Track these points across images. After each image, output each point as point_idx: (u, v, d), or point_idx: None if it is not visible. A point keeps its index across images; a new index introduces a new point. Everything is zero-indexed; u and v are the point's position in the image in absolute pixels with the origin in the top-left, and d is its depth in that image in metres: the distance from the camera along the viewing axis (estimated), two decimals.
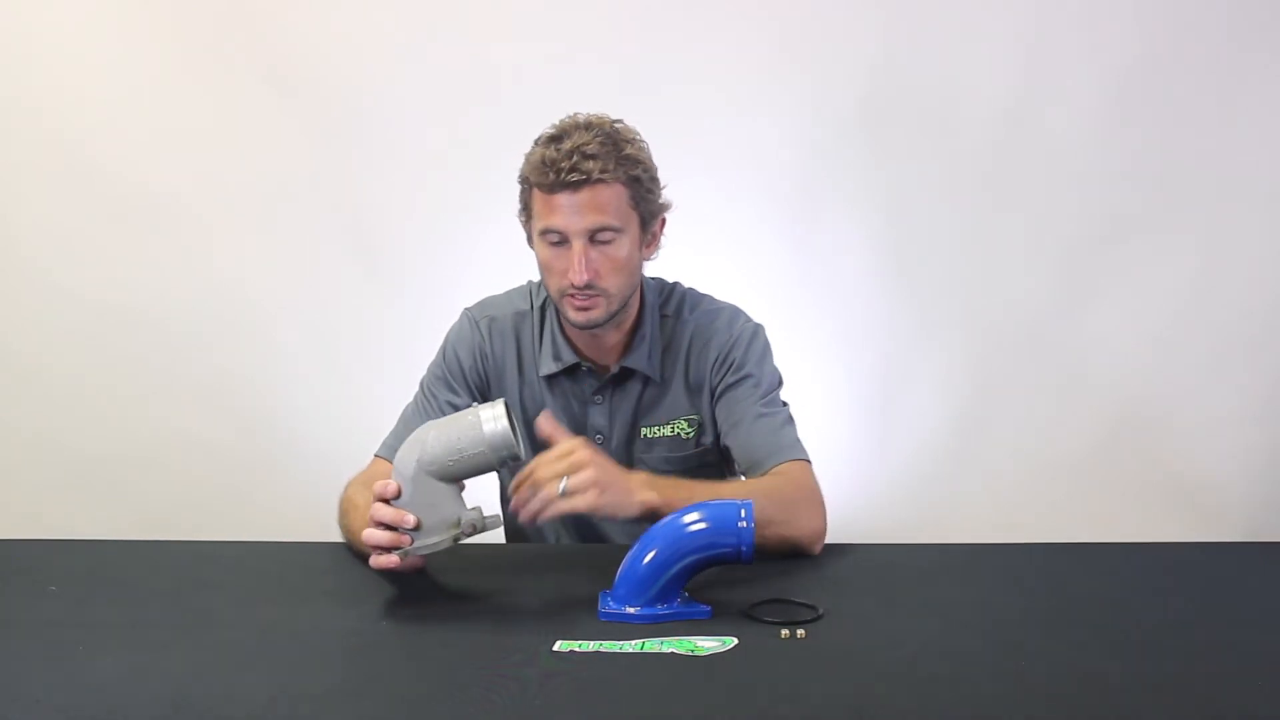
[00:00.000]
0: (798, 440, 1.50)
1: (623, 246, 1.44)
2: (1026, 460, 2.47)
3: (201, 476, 2.50)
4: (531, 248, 1.51)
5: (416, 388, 1.60)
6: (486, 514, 1.20)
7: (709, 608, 1.14)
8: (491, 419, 1.18)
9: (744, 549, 1.13)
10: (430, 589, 1.28)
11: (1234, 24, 2.38)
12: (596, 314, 1.45)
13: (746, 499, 1.14)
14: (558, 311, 1.54)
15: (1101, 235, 2.44)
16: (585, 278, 1.41)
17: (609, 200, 1.41)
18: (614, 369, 1.54)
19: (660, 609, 1.14)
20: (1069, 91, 2.41)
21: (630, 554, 1.16)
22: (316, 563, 1.44)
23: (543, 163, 1.40)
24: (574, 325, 1.48)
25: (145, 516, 2.34)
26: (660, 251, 1.54)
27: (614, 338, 1.53)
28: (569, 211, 1.41)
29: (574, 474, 1.21)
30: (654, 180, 1.48)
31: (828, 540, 1.41)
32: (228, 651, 1.08)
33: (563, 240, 1.43)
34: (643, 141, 1.47)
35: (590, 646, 1.05)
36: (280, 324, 2.53)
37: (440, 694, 0.97)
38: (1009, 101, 2.42)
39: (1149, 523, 2.32)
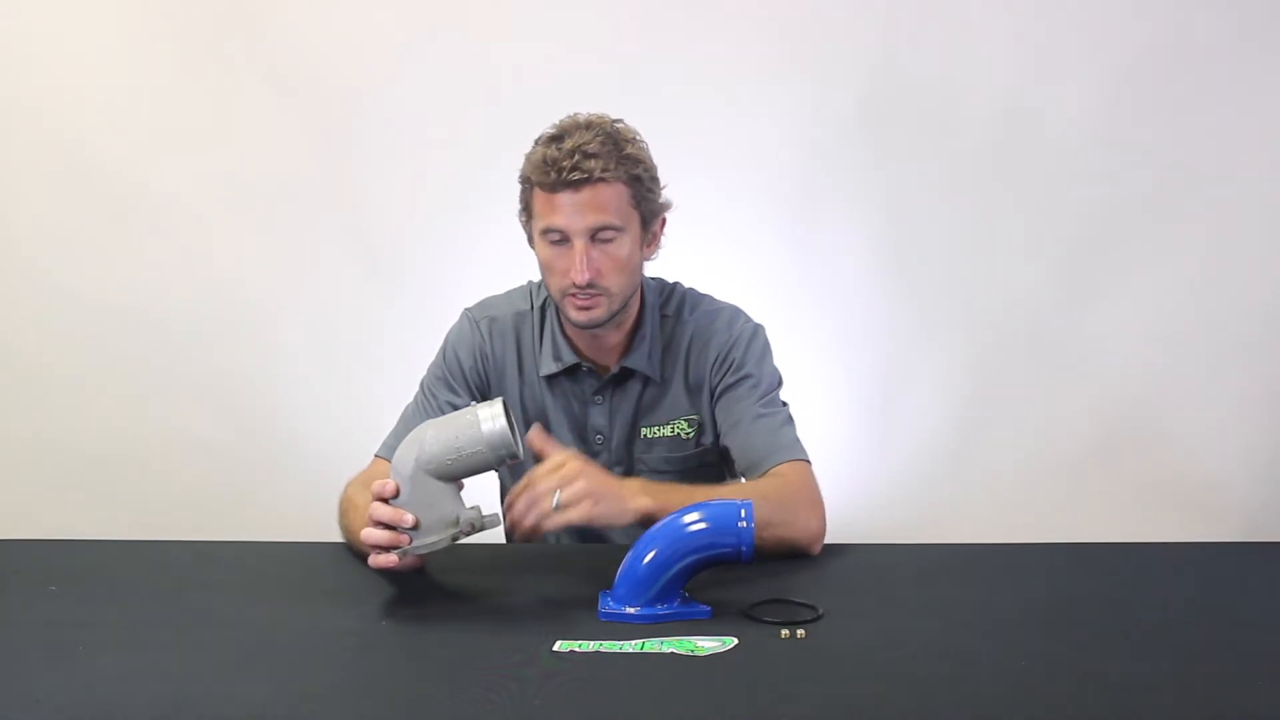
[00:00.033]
0: (797, 440, 1.50)
1: (624, 245, 1.44)
2: (1026, 460, 2.47)
3: (201, 476, 2.50)
4: (532, 248, 1.51)
5: (416, 388, 1.60)
6: (485, 513, 1.20)
7: (709, 608, 1.14)
8: (489, 418, 1.18)
9: (744, 549, 1.13)
10: (430, 589, 1.28)
11: (1234, 24, 2.38)
12: (598, 313, 1.45)
13: (745, 500, 1.14)
14: (558, 312, 1.54)
15: (1101, 235, 2.44)
16: (587, 277, 1.41)
17: (610, 199, 1.41)
18: (614, 369, 1.54)
19: (660, 609, 1.14)
20: (1069, 91, 2.41)
21: (630, 554, 1.16)
22: (316, 563, 1.44)
23: (544, 162, 1.40)
24: (575, 325, 1.48)
25: (145, 516, 2.33)
26: (660, 251, 1.54)
27: (614, 338, 1.53)
28: (571, 210, 1.41)
29: (567, 486, 1.21)
30: (654, 180, 1.48)
31: (828, 540, 1.41)
32: (228, 651, 1.08)
33: (564, 239, 1.43)
34: (643, 141, 1.47)
35: (590, 646, 1.05)
36: (280, 324, 2.53)
37: (440, 694, 0.97)
38: (1009, 101, 2.43)
39: (1149, 523, 2.32)
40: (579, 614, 1.15)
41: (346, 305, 2.52)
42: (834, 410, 2.45)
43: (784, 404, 1.55)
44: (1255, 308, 2.42)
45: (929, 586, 1.28)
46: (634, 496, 1.26)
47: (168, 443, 2.51)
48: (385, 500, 1.19)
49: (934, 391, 2.51)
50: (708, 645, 1.05)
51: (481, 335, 1.58)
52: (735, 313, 1.58)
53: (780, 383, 1.56)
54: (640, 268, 1.51)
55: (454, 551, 1.21)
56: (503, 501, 1.62)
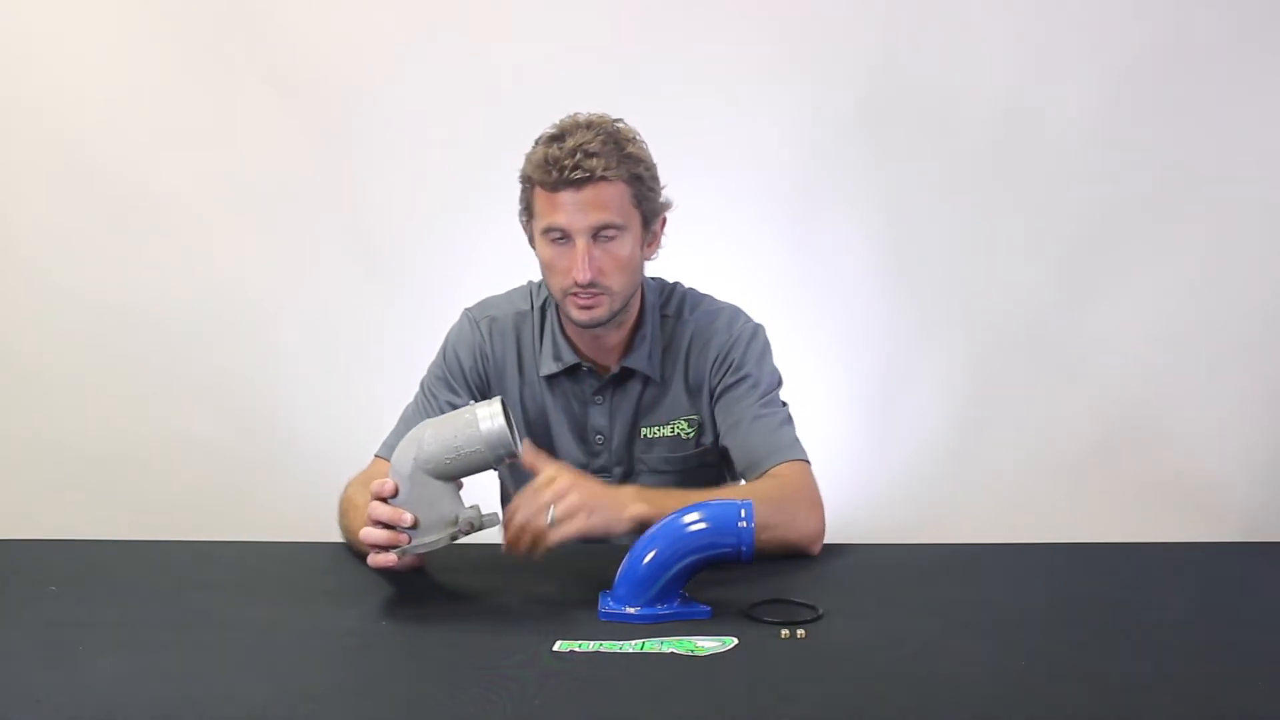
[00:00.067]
0: (796, 440, 1.50)
1: (625, 244, 1.44)
2: (1026, 460, 2.47)
3: (201, 476, 2.50)
4: (533, 248, 1.51)
5: (416, 388, 1.60)
6: (484, 512, 1.20)
7: (709, 608, 1.14)
8: (488, 417, 1.18)
9: (744, 549, 1.13)
10: (430, 589, 1.28)
11: (1234, 24, 2.38)
12: (599, 312, 1.45)
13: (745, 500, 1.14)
14: (558, 311, 1.54)
15: (1101, 235, 2.44)
16: (589, 275, 1.41)
17: (612, 198, 1.41)
18: (614, 369, 1.54)
19: (660, 609, 1.14)
20: (1069, 91, 2.41)
21: (630, 554, 1.16)
22: (316, 563, 1.44)
23: (545, 161, 1.40)
24: (577, 324, 1.48)
25: (145, 516, 2.33)
26: (661, 251, 1.54)
27: (615, 337, 1.53)
28: (572, 209, 1.41)
29: (560, 501, 1.21)
30: (655, 179, 1.48)
31: (828, 540, 1.41)
32: (228, 651, 1.08)
33: (565, 238, 1.43)
34: (643, 141, 1.47)
35: (590, 646, 1.05)
36: (280, 324, 2.53)
37: (440, 694, 0.97)
38: (1009, 101, 2.42)
39: (1149, 523, 2.32)
40: (579, 614, 1.15)
41: (346, 305, 2.52)
42: (834, 410, 2.45)
43: (784, 404, 1.55)
44: (1255, 308, 2.42)
45: (929, 586, 1.28)
46: (629, 503, 1.25)
47: (168, 443, 2.51)
48: (384, 499, 1.19)
49: (934, 391, 2.51)
50: (708, 645, 1.05)
51: (482, 335, 1.58)
52: (735, 313, 1.58)
53: (780, 383, 1.56)
54: (641, 267, 1.51)
55: (454, 551, 1.21)
56: (502, 501, 1.63)
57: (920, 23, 2.43)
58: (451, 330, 1.61)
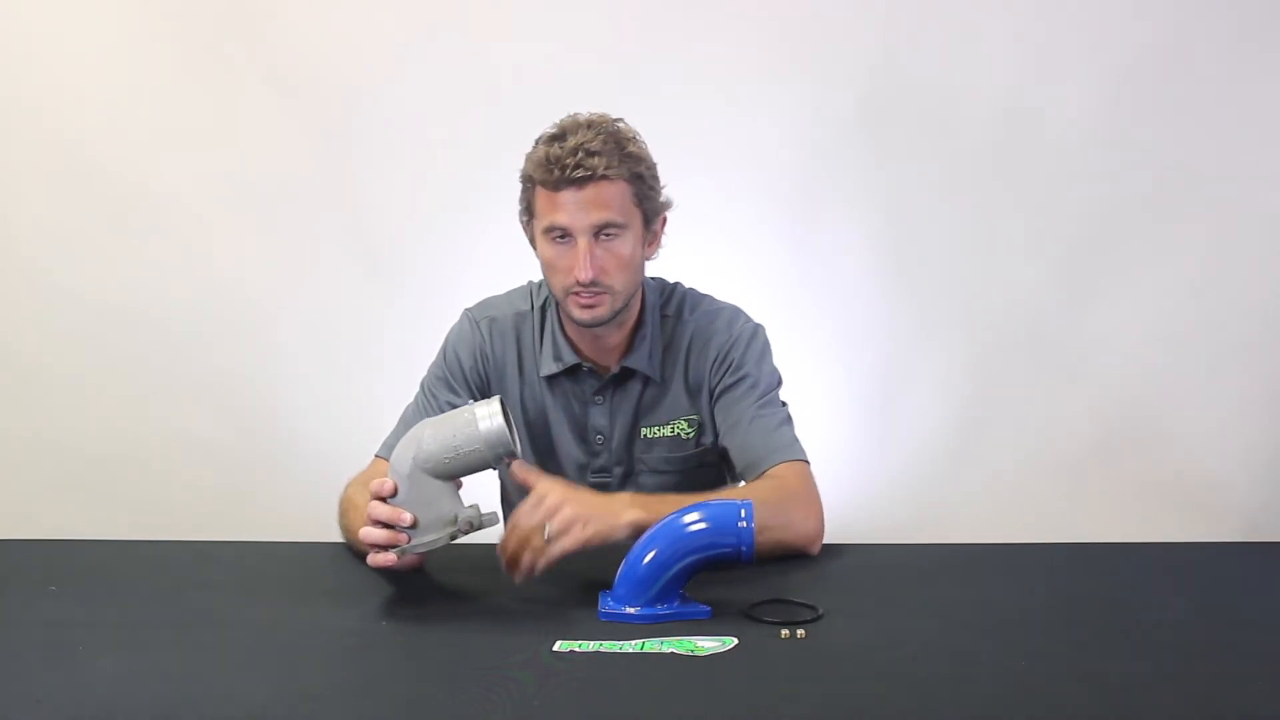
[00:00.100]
0: (795, 440, 1.50)
1: (627, 243, 1.44)
2: (1026, 460, 2.47)
3: (201, 476, 2.49)
4: (533, 248, 1.51)
5: (417, 388, 1.60)
6: (484, 511, 1.20)
7: (709, 608, 1.14)
8: (487, 416, 1.18)
9: (744, 549, 1.13)
10: (430, 589, 1.28)
11: (1234, 23, 2.38)
12: (601, 311, 1.45)
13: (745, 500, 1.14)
14: (558, 312, 1.54)
15: (1101, 235, 2.44)
16: (590, 274, 1.41)
17: (613, 197, 1.41)
18: (614, 369, 1.54)
19: (660, 609, 1.14)
20: (1069, 91, 2.41)
21: (630, 554, 1.16)
22: (316, 563, 1.44)
23: (547, 160, 1.40)
24: (579, 323, 1.48)
25: (145, 516, 2.33)
26: (661, 251, 1.54)
27: (615, 337, 1.53)
28: (574, 208, 1.41)
29: (553, 517, 1.20)
30: (655, 179, 1.48)
31: (828, 540, 1.41)
32: (228, 651, 1.08)
33: (567, 237, 1.43)
34: (643, 141, 1.47)
35: (590, 646, 1.05)
36: (280, 324, 2.53)
37: (440, 694, 0.97)
38: (1009, 101, 2.42)
39: (1149, 523, 2.32)
40: (579, 614, 1.15)
41: (346, 305, 2.52)
42: (834, 410, 2.45)
43: (783, 404, 1.55)
44: (1255, 308, 2.42)
45: (929, 586, 1.28)
46: (624, 510, 1.24)
47: (168, 443, 2.51)
48: (384, 499, 1.19)
49: (934, 391, 2.50)
50: (708, 645, 1.05)
51: (482, 335, 1.58)
52: (735, 313, 1.58)
53: (780, 383, 1.56)
54: (642, 266, 1.51)
55: (454, 551, 1.21)
56: (502, 500, 1.63)
57: (920, 23, 2.43)
58: (451, 330, 1.61)
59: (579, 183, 1.40)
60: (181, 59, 2.45)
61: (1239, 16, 2.37)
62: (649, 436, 1.56)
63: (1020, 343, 2.48)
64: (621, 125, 1.45)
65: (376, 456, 1.53)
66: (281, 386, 2.52)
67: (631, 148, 1.43)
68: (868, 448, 2.49)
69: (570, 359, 1.54)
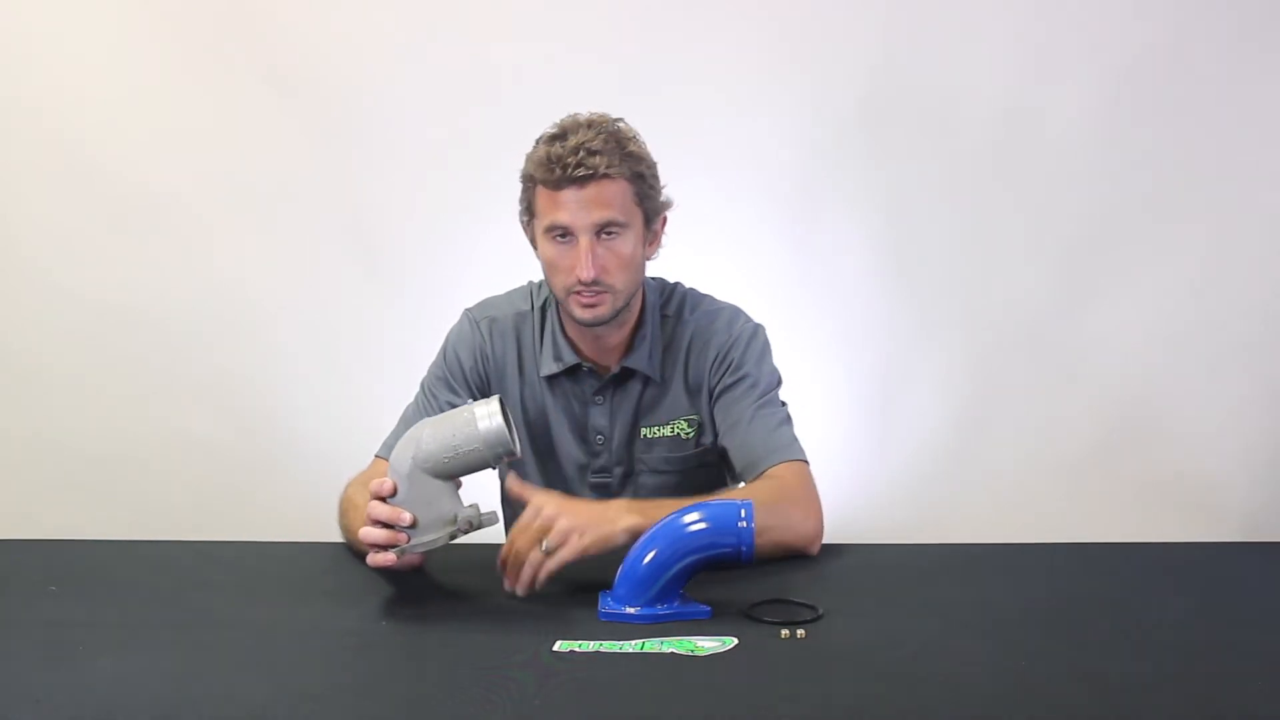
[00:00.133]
0: (794, 440, 1.50)
1: (628, 242, 1.44)
2: (1026, 460, 2.47)
3: (201, 476, 2.49)
4: (533, 248, 1.51)
5: (417, 388, 1.60)
6: (483, 511, 1.20)
7: (709, 608, 1.14)
8: (486, 416, 1.18)
9: (744, 549, 1.13)
10: (430, 589, 1.28)
11: (1234, 24, 2.37)
12: (603, 310, 1.45)
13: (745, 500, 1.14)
14: (558, 312, 1.55)
15: (1101, 235, 2.44)
16: (592, 273, 1.41)
17: (615, 195, 1.42)
18: (615, 369, 1.54)
19: (660, 609, 1.14)
20: (1069, 91, 2.41)
21: (630, 554, 1.16)
22: (316, 563, 1.44)
23: (548, 159, 1.40)
24: (580, 322, 1.48)
25: (145, 516, 2.33)
26: (661, 251, 1.54)
27: (616, 337, 1.53)
28: (576, 207, 1.41)
29: (550, 530, 1.21)
30: (656, 178, 1.48)
31: (828, 540, 1.41)
32: (228, 651, 1.08)
33: (568, 236, 1.43)
34: (643, 140, 1.47)
35: (590, 646, 1.05)
36: (280, 324, 2.53)
37: (440, 694, 0.97)
38: (1009, 101, 2.42)
39: (1149, 523, 2.32)
40: (579, 614, 1.15)
41: (346, 305, 2.52)
42: (834, 410, 2.44)
43: (783, 404, 1.54)
44: (1255, 308, 2.42)
45: (929, 586, 1.28)
46: (620, 517, 1.24)
47: (168, 443, 2.51)
48: (383, 499, 1.19)
49: (934, 391, 2.50)
50: (708, 645, 1.05)
51: (482, 335, 1.58)
52: (735, 313, 1.58)
53: (779, 383, 1.56)
54: (643, 266, 1.51)
55: (454, 551, 1.21)
56: (502, 500, 1.63)
57: (920, 23, 2.43)
58: (452, 330, 1.61)
59: (580, 182, 1.40)
60: (181, 59, 2.45)
61: (1239, 16, 2.37)
62: (649, 436, 1.56)
63: (1020, 343, 2.48)
64: (622, 125, 1.46)
65: (376, 456, 1.53)
66: (281, 386, 2.52)
67: (632, 147, 1.44)
68: (868, 448, 2.49)
69: (570, 359, 1.54)
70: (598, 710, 0.93)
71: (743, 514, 1.13)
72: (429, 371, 1.60)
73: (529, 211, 1.48)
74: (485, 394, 1.56)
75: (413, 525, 1.17)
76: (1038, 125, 2.42)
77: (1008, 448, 2.48)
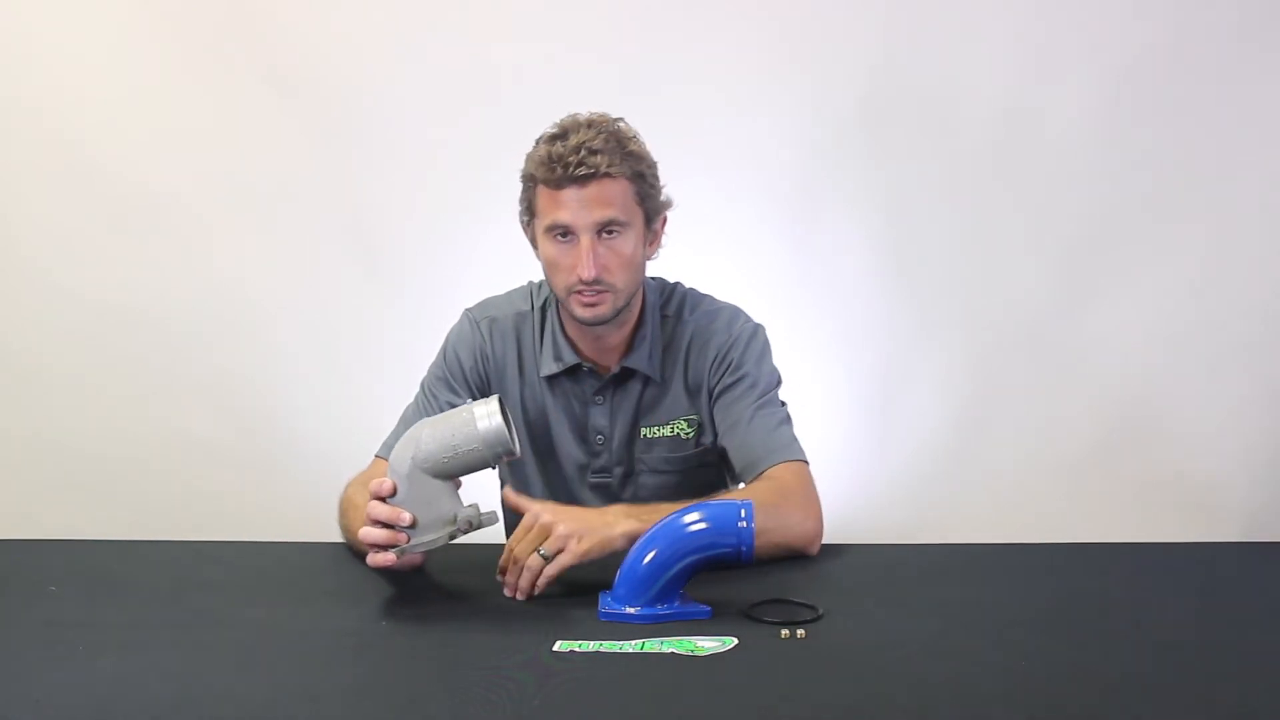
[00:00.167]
0: (794, 440, 1.50)
1: (629, 242, 1.44)
2: (1026, 460, 2.47)
3: (201, 476, 2.49)
4: (533, 248, 1.51)
5: (417, 388, 1.60)
6: (483, 511, 1.20)
7: (709, 608, 1.14)
8: (485, 415, 1.18)
9: (744, 549, 1.13)
10: (430, 589, 1.28)
11: (1234, 24, 2.37)
12: (604, 309, 1.45)
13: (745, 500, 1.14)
14: (559, 312, 1.55)
15: (1101, 235, 2.43)
16: (593, 272, 1.41)
17: (616, 194, 1.42)
18: (615, 369, 1.54)
19: (660, 609, 1.14)
20: (1069, 91, 2.41)
21: (630, 554, 1.16)
22: (316, 563, 1.44)
23: (549, 158, 1.41)
24: (581, 321, 1.48)
25: (145, 516, 2.33)
26: (661, 251, 1.54)
27: (616, 337, 1.53)
28: (577, 206, 1.41)
29: (548, 536, 1.21)
30: (656, 178, 1.49)
31: (828, 540, 1.41)
32: (228, 651, 1.08)
33: (570, 236, 1.43)
34: (643, 140, 1.47)
35: (590, 646, 1.05)
36: (280, 324, 2.53)
37: (440, 694, 0.97)
38: (1009, 101, 2.42)
39: (1149, 523, 2.32)
40: (579, 614, 1.15)
41: (346, 305, 2.52)
42: (834, 410, 2.44)
43: (783, 404, 1.55)
44: (1255, 308, 2.42)
45: (929, 586, 1.28)
46: (618, 521, 1.24)
47: (168, 443, 2.51)
48: (383, 499, 1.19)
49: (934, 391, 2.50)
50: (708, 645, 1.05)
51: (482, 336, 1.58)
52: (735, 313, 1.58)
53: (779, 383, 1.56)
54: (644, 265, 1.51)
55: (454, 551, 1.21)
56: (502, 500, 1.63)
57: (920, 23, 2.43)
58: (452, 331, 1.61)
59: (582, 180, 1.40)
60: (181, 59, 2.45)
61: (1239, 16, 2.37)
62: (649, 436, 1.56)
63: (1020, 343, 2.48)
64: (622, 125, 1.46)
65: (376, 456, 1.53)
66: (281, 386, 2.52)
67: (633, 146, 1.44)
68: (868, 448, 2.49)
69: (570, 359, 1.54)
70: (598, 710, 0.93)
71: (743, 514, 1.13)
72: (429, 371, 1.60)
73: (529, 211, 1.48)
74: (485, 394, 1.56)
75: (412, 525, 1.17)
76: (1038, 125, 2.42)
77: (1008, 448, 2.48)
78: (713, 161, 2.37)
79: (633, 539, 1.20)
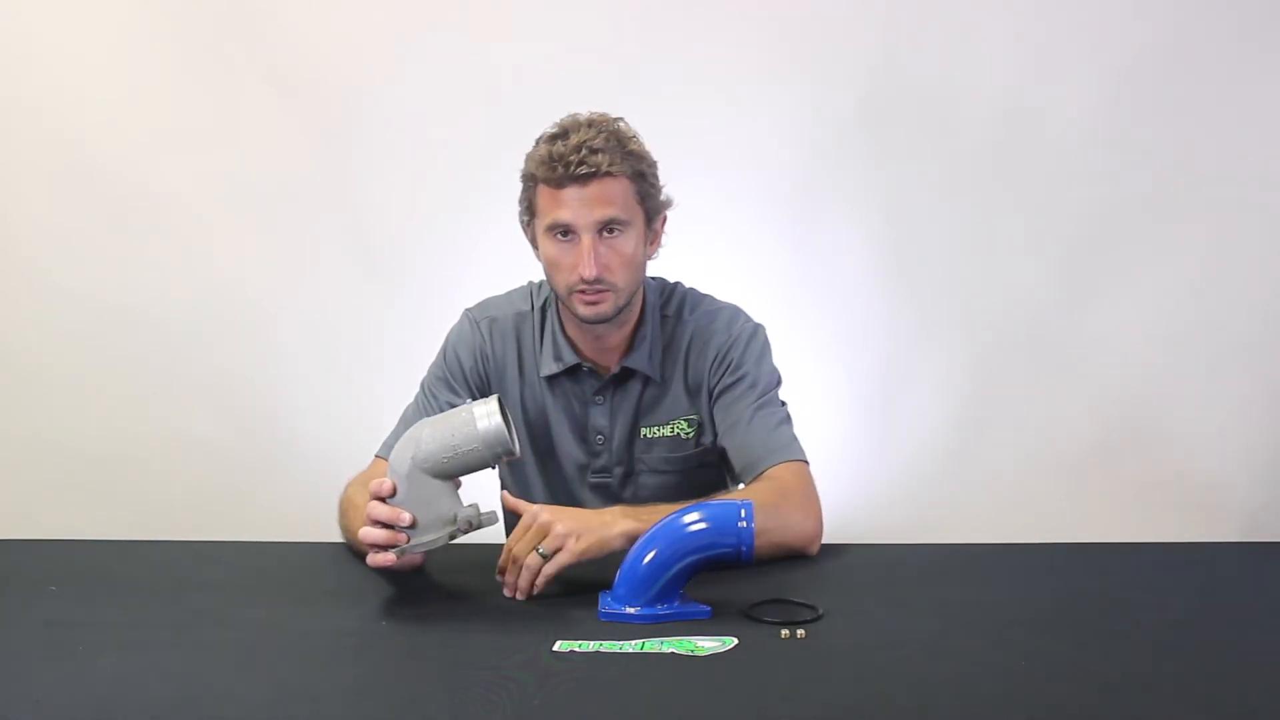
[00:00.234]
0: (794, 440, 1.50)
1: (630, 241, 1.44)
2: (1026, 460, 2.47)
3: (201, 476, 2.49)
4: (534, 247, 1.51)
5: (417, 388, 1.60)
6: (483, 510, 1.20)
7: (709, 608, 1.14)
8: (485, 415, 1.18)
9: (744, 549, 1.13)
10: (430, 589, 1.28)
11: (1234, 24, 2.37)
12: (605, 308, 1.45)
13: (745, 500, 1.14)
14: (559, 312, 1.55)
15: (1101, 235, 2.43)
16: (595, 271, 1.41)
17: (617, 193, 1.42)
18: (615, 369, 1.54)
19: (660, 609, 1.14)
20: (1069, 91, 2.41)
21: (630, 554, 1.16)
22: (316, 563, 1.44)
23: (550, 158, 1.41)
24: (583, 320, 1.48)
25: (145, 516, 2.33)
26: (661, 250, 1.54)
27: (616, 337, 1.53)
28: (578, 205, 1.41)
29: (546, 536, 1.21)
30: (656, 177, 1.49)
31: (828, 540, 1.41)
32: (228, 651, 1.08)
33: (571, 235, 1.43)
34: (643, 140, 1.47)
35: (590, 646, 1.05)
36: (280, 324, 2.53)
37: (440, 694, 0.97)
38: (1009, 101, 2.42)
39: (1149, 523, 2.32)
40: (579, 614, 1.15)
41: (346, 305, 2.52)
42: (834, 410, 2.45)
43: (783, 404, 1.55)
44: (1255, 308, 2.42)
45: (929, 586, 1.28)
46: (615, 522, 1.24)
47: (168, 443, 2.51)
48: (383, 499, 1.19)
49: (934, 391, 2.50)
50: (708, 645, 1.05)
51: (482, 336, 1.58)
52: (735, 313, 1.58)
53: (779, 382, 1.56)
54: (644, 265, 1.51)
55: (454, 551, 1.21)
56: (502, 504, 1.63)
57: (920, 23, 2.43)
58: (452, 331, 1.61)
59: (582, 179, 1.40)
60: (181, 59, 2.45)
61: (1239, 16, 2.37)
62: (649, 436, 1.56)
63: (1020, 343, 2.48)
64: (622, 124, 1.46)
65: (376, 456, 1.53)
66: (281, 386, 2.52)
67: (633, 146, 1.44)
68: (868, 448, 2.49)
69: (570, 359, 1.54)
70: (598, 710, 0.93)
71: (743, 514, 1.13)
72: (429, 371, 1.60)
73: (530, 211, 1.48)
74: (485, 394, 1.56)
75: (412, 525, 1.17)
76: (1038, 125, 2.42)
77: (1008, 448, 2.48)
78: (713, 161, 2.37)
79: (631, 539, 1.20)
